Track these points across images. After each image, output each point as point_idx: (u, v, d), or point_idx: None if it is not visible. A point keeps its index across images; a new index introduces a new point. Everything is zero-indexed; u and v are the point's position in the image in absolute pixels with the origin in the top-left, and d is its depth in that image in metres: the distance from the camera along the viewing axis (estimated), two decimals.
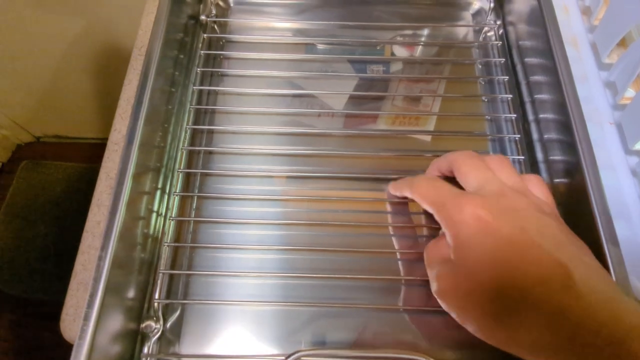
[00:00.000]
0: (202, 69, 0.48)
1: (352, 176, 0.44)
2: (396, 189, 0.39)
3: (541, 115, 0.44)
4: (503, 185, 0.32)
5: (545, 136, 0.43)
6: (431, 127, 0.47)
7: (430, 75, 0.50)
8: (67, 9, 0.97)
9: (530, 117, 0.45)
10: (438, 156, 0.38)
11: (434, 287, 0.32)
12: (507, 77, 0.47)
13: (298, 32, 0.53)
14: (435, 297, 0.32)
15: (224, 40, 0.51)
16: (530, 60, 0.46)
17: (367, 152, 0.45)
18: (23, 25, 1.01)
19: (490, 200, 0.30)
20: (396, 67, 0.51)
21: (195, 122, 0.46)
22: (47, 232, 1.38)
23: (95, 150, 1.53)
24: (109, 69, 1.15)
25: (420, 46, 0.53)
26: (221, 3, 0.53)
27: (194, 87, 0.46)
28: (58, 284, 1.29)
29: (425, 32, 0.54)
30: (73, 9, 0.97)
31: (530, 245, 0.28)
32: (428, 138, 0.46)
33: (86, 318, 0.31)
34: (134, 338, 0.37)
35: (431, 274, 0.33)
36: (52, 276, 1.30)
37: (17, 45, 1.07)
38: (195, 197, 0.43)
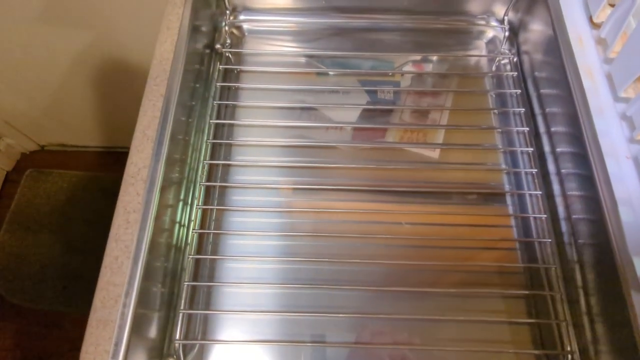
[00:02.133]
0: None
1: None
2: None
3: (558, 149, 0.44)
4: None
5: (563, 170, 0.43)
6: (440, 140, 0.47)
7: (440, 105, 0.50)
8: (73, 22, 0.97)
9: (547, 149, 0.45)
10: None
11: None
12: (524, 109, 0.47)
13: (310, 58, 0.53)
14: None
15: (238, 70, 0.51)
16: (547, 91, 0.46)
17: (371, 164, 0.46)
18: (30, 37, 1.01)
19: None
20: (406, 95, 0.51)
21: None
22: (51, 241, 1.38)
23: (100, 159, 1.52)
24: (114, 79, 1.15)
25: (432, 74, 0.53)
26: (236, 32, 0.53)
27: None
28: (62, 293, 1.29)
29: (436, 59, 0.54)
30: (79, 22, 0.97)
31: None
32: (435, 155, 0.46)
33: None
34: None
35: None
36: (56, 286, 1.30)
37: (23, 56, 1.07)
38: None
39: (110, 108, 1.30)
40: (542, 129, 0.46)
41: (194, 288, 0.40)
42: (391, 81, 0.52)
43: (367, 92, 0.51)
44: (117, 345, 0.30)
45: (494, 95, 0.51)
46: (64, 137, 1.52)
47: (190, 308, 0.40)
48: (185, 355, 0.38)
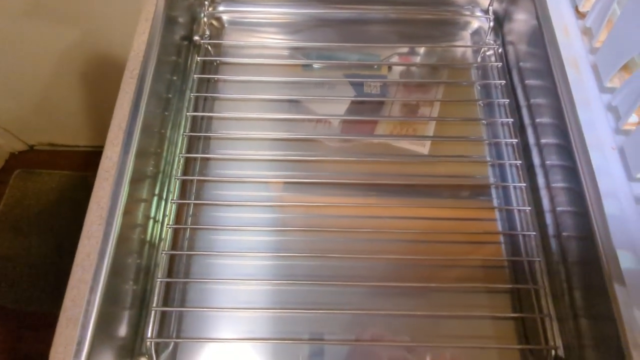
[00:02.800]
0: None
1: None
2: None
3: (543, 140, 0.43)
4: None
5: (547, 162, 0.42)
6: (426, 152, 0.46)
7: (427, 98, 0.49)
8: (60, 18, 0.95)
9: (532, 141, 0.44)
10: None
11: None
12: (508, 100, 0.46)
13: (294, 51, 0.52)
14: None
15: (217, 62, 0.50)
16: (531, 82, 0.45)
17: (361, 157, 0.45)
18: (15, 34, 0.99)
19: None
20: (393, 87, 0.50)
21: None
22: (40, 242, 1.36)
23: (89, 158, 1.51)
24: (103, 76, 1.13)
25: (418, 66, 0.52)
26: (215, 23, 0.52)
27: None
28: (52, 295, 1.27)
29: (423, 51, 0.53)
30: (66, 18, 0.95)
31: None
32: (425, 150, 0.45)
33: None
34: None
35: None
36: (46, 287, 1.28)
37: (10, 54, 1.06)
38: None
39: (100, 106, 1.28)
40: (527, 120, 0.45)
41: (168, 285, 0.39)
42: (377, 74, 0.51)
43: (354, 86, 0.50)
44: (80, 344, 0.29)
45: (479, 87, 0.50)
46: (53, 136, 1.50)
47: (165, 306, 0.38)
48: (158, 355, 0.37)
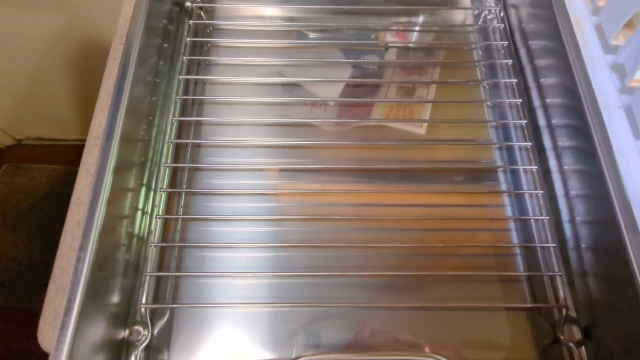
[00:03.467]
0: (189, 58, 0.44)
1: (346, 168, 0.42)
2: None
3: (548, 100, 0.42)
4: None
5: (554, 121, 0.41)
6: (426, 117, 0.44)
7: (427, 60, 0.47)
8: (44, 4, 0.93)
9: (536, 102, 0.43)
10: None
11: None
12: (511, 61, 0.45)
13: (289, 18, 0.50)
14: None
15: (210, 28, 0.48)
16: (535, 43, 0.44)
17: (360, 142, 0.43)
18: None
19: None
20: (391, 56, 0.49)
21: (182, 114, 0.43)
22: (30, 238, 1.33)
23: (79, 152, 1.47)
24: (91, 66, 1.10)
25: (416, 33, 0.50)
26: None
27: (180, 77, 0.43)
28: (42, 291, 1.24)
29: (422, 18, 0.51)
30: (50, 4, 0.93)
31: None
32: (422, 130, 0.44)
33: (63, 327, 0.28)
34: (119, 347, 0.33)
35: None
36: (36, 283, 1.25)
37: None
38: (184, 193, 0.40)
39: (89, 98, 1.25)
40: (531, 83, 0.44)
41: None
42: (375, 50, 0.50)
43: (350, 53, 0.48)
44: (68, 313, 0.27)
45: (480, 51, 0.49)
46: (41, 130, 1.47)
47: (160, 270, 0.37)
48: (153, 324, 0.35)
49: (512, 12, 0.48)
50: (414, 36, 0.51)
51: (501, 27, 0.47)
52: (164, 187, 0.39)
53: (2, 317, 1.24)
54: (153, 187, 0.40)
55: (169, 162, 0.40)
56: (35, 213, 1.37)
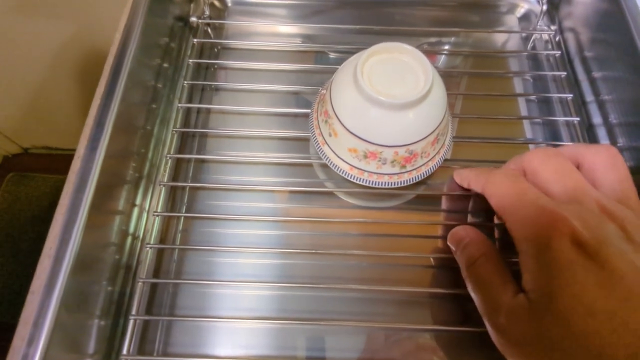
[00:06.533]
0: (190, 82, 0.38)
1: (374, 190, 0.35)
2: (462, 179, 0.30)
3: (621, 144, 0.34)
4: (603, 200, 0.23)
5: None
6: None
7: (472, 92, 0.41)
8: (52, 14, 0.90)
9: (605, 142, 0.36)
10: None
11: (495, 335, 0.23)
12: (572, 95, 0.38)
13: (307, 38, 0.44)
14: (500, 349, 0.23)
15: (219, 47, 0.42)
16: (603, 74, 0.36)
17: None
18: (5, 32, 0.94)
19: (592, 220, 0.21)
20: None
21: (181, 148, 0.37)
22: (30, 249, 1.30)
23: None
24: (100, 76, 1.07)
25: (450, 55, 0.43)
26: (217, 3, 0.44)
27: (180, 105, 0.37)
28: None
29: (454, 39, 0.45)
30: (59, 14, 0.89)
31: None
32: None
33: (31, 342, 0.23)
34: None
35: (490, 313, 0.24)
36: None
37: (1, 53, 1.00)
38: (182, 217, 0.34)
39: None
40: (596, 119, 0.37)
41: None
42: None
43: None
44: (38, 325, 0.21)
45: (532, 80, 0.41)
46: (48, 139, 1.45)
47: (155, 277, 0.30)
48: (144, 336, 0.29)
49: (570, 37, 0.41)
50: (451, 60, 0.44)
51: (557, 55, 0.40)
52: (158, 210, 0.34)
53: (4, 335, 1.20)
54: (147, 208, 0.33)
55: (165, 180, 0.34)
56: (37, 223, 1.34)
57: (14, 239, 1.31)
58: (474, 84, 0.41)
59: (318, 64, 0.42)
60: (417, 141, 0.30)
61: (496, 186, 0.25)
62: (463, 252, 0.27)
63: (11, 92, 1.17)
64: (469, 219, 0.33)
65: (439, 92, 0.30)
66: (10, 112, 1.24)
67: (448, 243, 0.29)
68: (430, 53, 0.44)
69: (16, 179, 1.42)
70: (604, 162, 0.24)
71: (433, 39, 0.45)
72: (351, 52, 0.32)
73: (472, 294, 0.25)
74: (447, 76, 0.42)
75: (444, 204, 0.35)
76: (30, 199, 1.38)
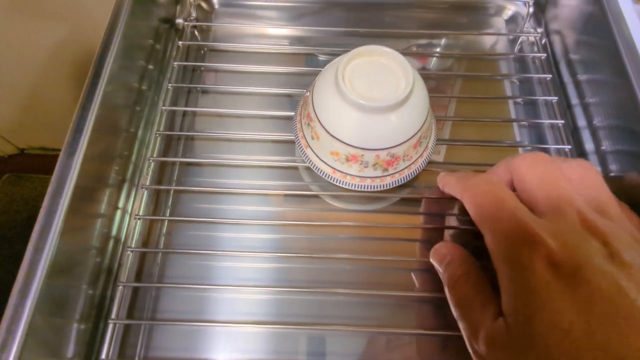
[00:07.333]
0: (174, 85, 0.38)
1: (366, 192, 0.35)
2: (444, 184, 0.30)
3: (605, 147, 0.34)
4: (586, 212, 0.22)
5: (612, 174, 0.33)
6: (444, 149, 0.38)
7: (461, 95, 0.40)
8: (47, 13, 0.89)
9: (588, 146, 0.36)
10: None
11: (474, 349, 0.23)
12: (557, 98, 0.38)
13: (296, 40, 0.44)
14: None
15: (205, 49, 0.42)
16: (587, 77, 0.36)
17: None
18: (0, 33, 0.94)
19: (571, 238, 0.21)
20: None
21: (165, 151, 0.37)
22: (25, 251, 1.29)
23: None
24: None
25: (439, 58, 0.44)
26: (204, 4, 0.44)
27: (163, 108, 0.37)
28: None
29: (444, 41, 0.45)
30: (54, 14, 0.89)
31: (633, 312, 0.19)
32: (440, 158, 0.37)
33: (4, 347, 0.22)
34: None
35: (470, 338, 0.23)
36: None
37: None
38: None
39: None
40: (580, 122, 0.37)
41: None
42: None
43: None
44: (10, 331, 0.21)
45: (518, 82, 0.41)
46: (45, 139, 1.44)
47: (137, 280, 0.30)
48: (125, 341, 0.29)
49: (556, 39, 0.41)
50: (441, 62, 0.44)
51: (543, 58, 0.40)
52: (140, 214, 0.33)
53: None
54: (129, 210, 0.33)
55: (148, 183, 0.34)
56: (33, 225, 1.33)
57: (9, 241, 1.31)
58: (464, 86, 0.41)
59: (308, 67, 0.42)
60: (399, 144, 0.30)
61: (474, 193, 0.25)
62: (445, 270, 0.26)
63: (7, 92, 1.16)
64: (455, 222, 0.32)
65: (421, 95, 0.30)
66: (6, 112, 1.24)
67: (431, 260, 0.28)
68: (419, 55, 0.44)
69: (12, 180, 1.41)
70: (579, 175, 0.24)
71: (422, 41, 0.45)
72: (340, 55, 0.31)
73: (455, 315, 0.25)
74: (439, 79, 0.41)
75: (428, 208, 0.35)
76: (26, 200, 1.38)
